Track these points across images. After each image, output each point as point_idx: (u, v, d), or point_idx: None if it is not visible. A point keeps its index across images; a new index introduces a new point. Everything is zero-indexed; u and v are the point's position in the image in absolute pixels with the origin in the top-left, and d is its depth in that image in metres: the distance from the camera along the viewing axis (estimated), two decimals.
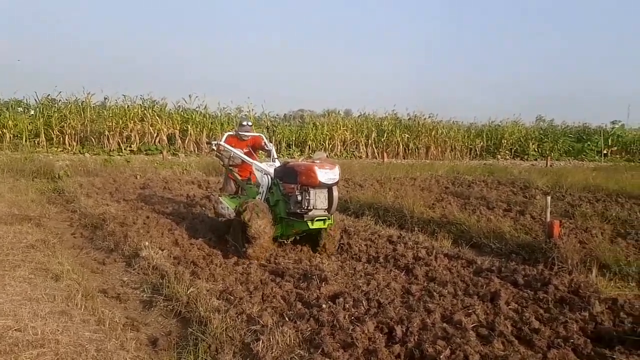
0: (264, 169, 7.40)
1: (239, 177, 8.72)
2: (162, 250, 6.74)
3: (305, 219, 6.41)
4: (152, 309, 5.15)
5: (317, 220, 6.48)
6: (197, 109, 28.77)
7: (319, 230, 6.86)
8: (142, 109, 27.23)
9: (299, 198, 6.40)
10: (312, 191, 6.35)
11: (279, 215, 6.91)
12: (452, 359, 3.66)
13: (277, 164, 7.63)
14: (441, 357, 3.66)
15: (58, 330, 4.07)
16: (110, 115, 26.18)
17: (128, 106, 27.35)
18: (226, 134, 8.93)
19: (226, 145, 8.24)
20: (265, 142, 9.04)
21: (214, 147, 8.38)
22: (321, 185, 6.34)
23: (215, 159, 9.49)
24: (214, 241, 7.57)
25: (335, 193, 6.51)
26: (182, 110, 28.52)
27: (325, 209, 6.50)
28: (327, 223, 6.64)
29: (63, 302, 4.79)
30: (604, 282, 5.80)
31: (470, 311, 4.73)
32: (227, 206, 7.61)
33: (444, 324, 4.36)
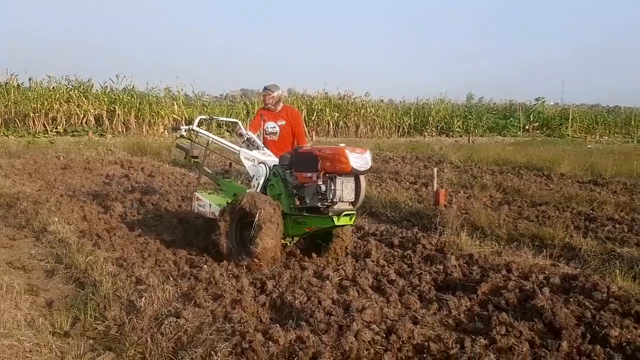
0: (258, 157, 6.38)
1: (210, 171, 7.49)
2: (70, 224, 7.09)
3: (330, 214, 5.36)
4: (54, 277, 5.53)
5: (343, 215, 5.41)
6: (124, 89, 28.54)
7: (330, 230, 5.83)
8: (68, 90, 26.88)
9: (323, 188, 5.27)
10: (338, 180, 5.26)
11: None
12: (307, 304, 4.25)
13: (268, 152, 6.75)
14: (296, 302, 4.25)
15: None
16: (35, 96, 25.75)
17: (53, 87, 26.97)
18: (199, 117, 7.04)
19: (201, 130, 6.81)
20: (271, 126, 7.85)
21: (184, 133, 6.90)
22: (350, 173, 5.30)
23: (177, 149, 7.91)
24: (119, 216, 7.92)
25: (363, 183, 5.51)
26: (109, 91, 28.26)
27: (351, 202, 5.47)
28: (352, 219, 5.63)
29: None
30: (470, 242, 6.51)
31: (339, 267, 5.37)
32: (209, 203, 6.52)
33: (313, 278, 4.97)
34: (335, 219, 5.36)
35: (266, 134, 7.78)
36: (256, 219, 5.35)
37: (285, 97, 33.13)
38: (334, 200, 5.26)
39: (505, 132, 37.16)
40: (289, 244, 6.23)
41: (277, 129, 7.85)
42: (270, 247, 5.34)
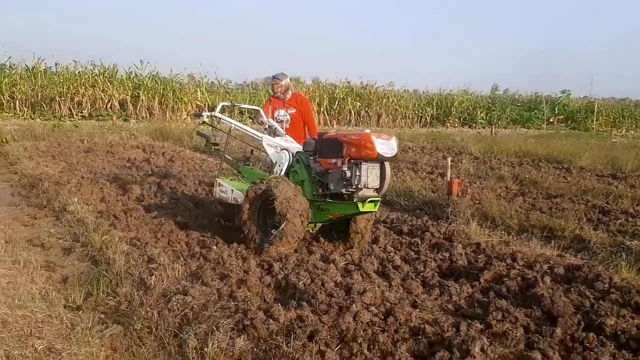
0: (281, 144, 6.37)
1: (231, 158, 7.33)
2: (88, 205, 7.31)
3: (355, 200, 5.32)
4: (71, 254, 5.74)
5: (368, 201, 5.35)
6: (149, 75, 28.86)
7: (351, 218, 5.83)
8: (93, 75, 27.28)
9: (348, 174, 5.21)
10: (364, 166, 5.21)
11: None
12: (311, 285, 4.37)
13: (290, 139, 6.74)
14: (300, 284, 4.38)
15: None
16: (61, 81, 26.18)
17: (79, 72, 27.38)
18: (221, 104, 7.08)
19: (223, 117, 6.77)
20: (280, 115, 7.86)
21: (206, 119, 6.83)
22: (377, 159, 5.23)
23: (197, 137, 7.79)
24: (137, 198, 8.10)
25: (389, 170, 5.41)
26: (133, 77, 28.61)
27: (376, 189, 5.41)
28: (377, 205, 5.56)
29: None
30: (479, 231, 6.57)
31: (346, 253, 5.48)
32: (231, 188, 6.41)
33: (319, 262, 5.09)
34: (359, 205, 5.30)
35: (277, 122, 7.67)
36: (281, 227, 5.33)
37: (309, 85, 33.21)
38: (359, 186, 5.22)
39: (529, 125, 36.80)
40: (311, 231, 6.11)
41: (288, 117, 7.92)
42: (283, 252, 5.38)
